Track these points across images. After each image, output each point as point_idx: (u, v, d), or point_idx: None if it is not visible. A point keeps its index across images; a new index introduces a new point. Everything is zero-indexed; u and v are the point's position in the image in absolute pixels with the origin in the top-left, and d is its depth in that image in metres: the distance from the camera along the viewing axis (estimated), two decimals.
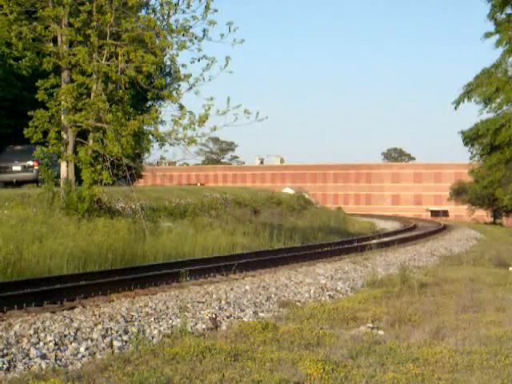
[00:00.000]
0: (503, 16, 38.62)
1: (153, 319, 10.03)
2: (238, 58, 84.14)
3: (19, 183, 25.38)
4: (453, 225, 50.62)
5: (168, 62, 25.03)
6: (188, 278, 13.64)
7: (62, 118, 20.19)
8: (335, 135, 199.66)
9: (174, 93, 21.08)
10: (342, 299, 13.05)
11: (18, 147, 26.55)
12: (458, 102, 39.91)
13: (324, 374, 7.10)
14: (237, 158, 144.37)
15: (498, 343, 8.66)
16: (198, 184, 64.50)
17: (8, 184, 25.88)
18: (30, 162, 25.51)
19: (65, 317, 9.54)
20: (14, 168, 26.11)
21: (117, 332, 9.15)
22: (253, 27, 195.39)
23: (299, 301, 12.76)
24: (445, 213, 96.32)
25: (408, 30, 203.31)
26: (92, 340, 8.72)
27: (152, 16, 20.67)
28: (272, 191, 46.09)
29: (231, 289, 12.90)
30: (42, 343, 8.29)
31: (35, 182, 24.53)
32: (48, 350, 8.16)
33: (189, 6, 20.31)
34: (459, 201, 78.07)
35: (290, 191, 63.08)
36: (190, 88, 20.28)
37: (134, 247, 16.78)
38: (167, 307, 10.82)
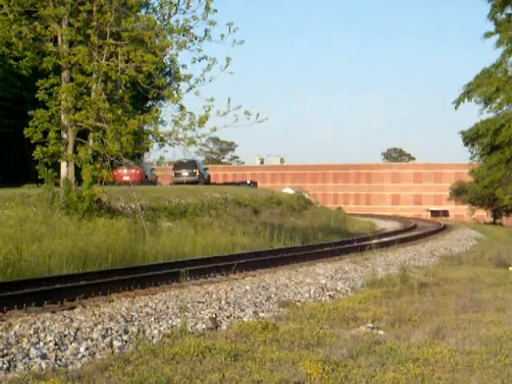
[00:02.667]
0: (503, 16, 38.67)
1: (153, 319, 10.03)
2: (238, 58, 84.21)
3: (187, 183, 40.00)
4: (453, 225, 50.58)
5: (168, 62, 25.03)
6: (188, 278, 13.63)
7: (62, 117, 20.20)
8: (335, 135, 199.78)
9: (175, 93, 21.09)
10: (342, 299, 13.05)
11: (185, 160, 42.65)
12: (458, 102, 39.95)
13: (324, 373, 7.09)
14: (237, 157, 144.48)
15: (498, 343, 8.66)
16: (248, 181, 63.23)
17: (180, 183, 40.04)
18: (194, 170, 42.03)
19: (65, 317, 9.54)
20: (184, 173, 42.06)
21: (117, 332, 9.15)
22: (253, 27, 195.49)
23: (299, 301, 12.76)
24: (445, 213, 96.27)
25: (408, 29, 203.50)
26: (92, 340, 8.72)
27: (152, 16, 20.70)
28: (272, 191, 46.03)
29: (231, 289, 12.90)
30: (42, 343, 8.29)
31: (196, 182, 41.03)
32: (48, 349, 8.16)
33: (189, 6, 20.35)
34: (459, 201, 78.04)
35: (290, 191, 63.05)
36: (190, 88, 20.31)
37: (134, 247, 16.77)
38: (167, 307, 10.82)
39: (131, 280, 12.55)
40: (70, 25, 19.99)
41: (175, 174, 42.13)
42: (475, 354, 8.04)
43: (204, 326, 10.03)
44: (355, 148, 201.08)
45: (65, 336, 8.64)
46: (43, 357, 7.92)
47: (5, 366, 7.45)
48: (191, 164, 42.51)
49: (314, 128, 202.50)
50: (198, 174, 42.05)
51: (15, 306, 10.03)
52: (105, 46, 19.85)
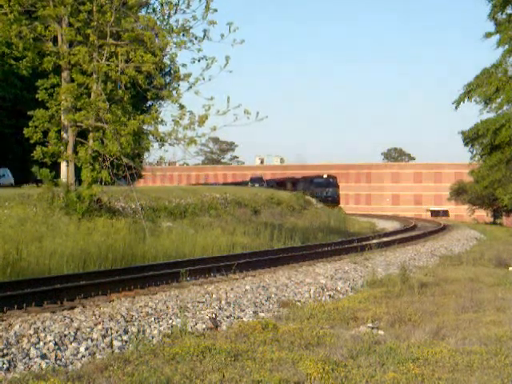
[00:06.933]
0: (503, 16, 38.66)
1: (153, 319, 10.03)
2: (237, 58, 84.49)
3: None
4: (453, 225, 50.57)
5: (168, 62, 25.04)
6: (188, 278, 13.64)
7: (62, 117, 20.20)
8: (335, 135, 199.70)
9: (174, 92, 21.10)
10: (342, 299, 13.05)
11: (256, 177, 71.90)
12: (458, 102, 39.93)
13: (324, 373, 7.09)
14: (237, 157, 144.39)
15: (498, 343, 8.66)
16: (325, 175, 64.28)
17: None
18: (262, 182, 64.62)
19: (65, 317, 9.54)
20: (256, 185, 60.89)
21: (117, 332, 9.15)
22: (252, 26, 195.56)
23: (299, 301, 12.76)
24: (445, 213, 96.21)
25: (408, 29, 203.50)
26: (92, 340, 8.72)
27: (152, 16, 20.71)
28: (272, 191, 46.04)
29: (231, 289, 12.90)
30: (41, 343, 8.29)
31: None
32: (48, 349, 8.16)
33: (189, 5, 20.37)
34: (459, 201, 78.06)
35: None
36: (190, 87, 20.32)
37: (134, 247, 16.77)
38: (167, 307, 10.82)
39: (131, 280, 12.56)
40: (70, 25, 19.99)
41: (251, 185, 61.69)
42: (475, 353, 8.04)
43: (204, 326, 10.03)
44: (355, 148, 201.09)
45: (65, 336, 8.64)
46: (43, 357, 7.92)
47: (5, 366, 7.46)
48: (260, 179, 68.27)
49: (314, 128, 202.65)
50: (264, 184, 63.76)
51: (15, 306, 10.03)
52: (105, 46, 19.85)
